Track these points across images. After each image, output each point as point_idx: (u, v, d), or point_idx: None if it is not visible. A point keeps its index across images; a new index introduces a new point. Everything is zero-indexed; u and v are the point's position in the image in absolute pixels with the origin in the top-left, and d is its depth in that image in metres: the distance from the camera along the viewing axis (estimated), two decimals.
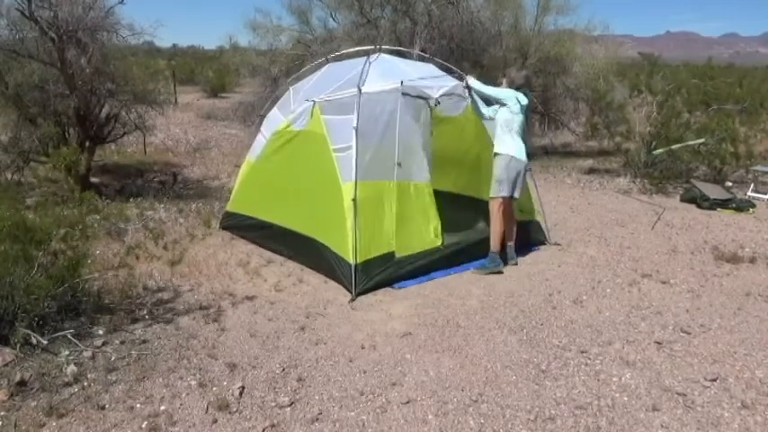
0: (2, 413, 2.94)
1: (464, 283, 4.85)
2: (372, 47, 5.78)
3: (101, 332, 3.79)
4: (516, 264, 5.23)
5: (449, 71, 5.68)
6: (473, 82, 5.29)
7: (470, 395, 3.22)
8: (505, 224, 5.14)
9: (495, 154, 5.13)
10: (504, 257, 5.16)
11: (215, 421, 2.96)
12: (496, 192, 5.07)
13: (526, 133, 5.27)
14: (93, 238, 4.31)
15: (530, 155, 5.32)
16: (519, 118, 5.07)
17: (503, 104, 5.12)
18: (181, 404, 3.09)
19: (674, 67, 16.11)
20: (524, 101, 5.11)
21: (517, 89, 5.14)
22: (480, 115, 5.38)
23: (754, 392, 3.29)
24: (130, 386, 3.22)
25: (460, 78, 5.43)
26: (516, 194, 5.14)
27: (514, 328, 4.04)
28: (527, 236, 5.69)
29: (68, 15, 6.53)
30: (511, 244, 5.27)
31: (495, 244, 5.08)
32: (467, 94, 5.35)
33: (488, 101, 5.35)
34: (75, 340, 3.57)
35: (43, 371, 3.30)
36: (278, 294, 4.57)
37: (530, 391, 3.27)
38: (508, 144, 5.07)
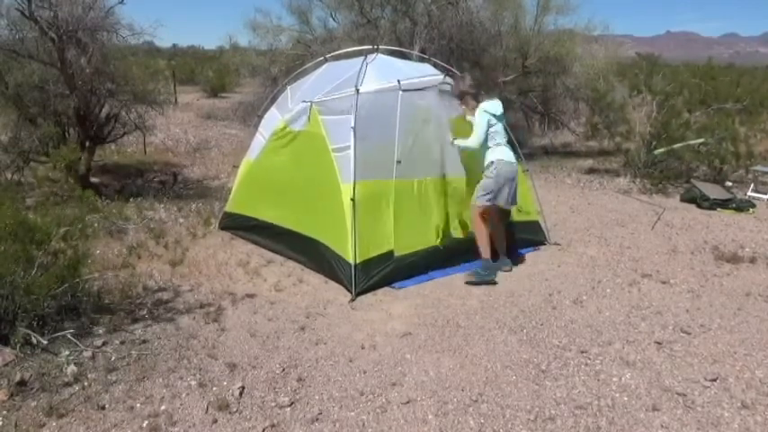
0: (2, 413, 2.94)
1: (464, 283, 4.84)
2: (371, 47, 5.77)
3: (101, 332, 3.79)
4: (510, 270, 5.09)
5: (447, 72, 5.65)
6: (459, 143, 5.03)
7: (470, 395, 3.22)
8: (489, 230, 4.97)
9: (488, 164, 4.94)
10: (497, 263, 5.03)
11: (215, 421, 2.96)
12: (475, 198, 4.93)
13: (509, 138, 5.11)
14: (93, 237, 4.31)
15: (522, 156, 5.17)
16: (498, 126, 4.94)
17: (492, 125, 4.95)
18: (181, 404, 3.09)
19: (674, 67, 16.10)
20: (496, 109, 4.92)
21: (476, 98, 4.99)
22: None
23: (754, 392, 3.29)
24: (130, 386, 3.23)
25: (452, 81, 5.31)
26: (501, 202, 4.94)
27: (514, 328, 4.04)
28: (527, 236, 5.69)
29: (68, 15, 6.53)
30: (503, 253, 5.13)
31: (483, 250, 4.94)
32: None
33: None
34: (75, 340, 3.57)
35: (43, 371, 3.30)
36: (278, 294, 4.57)
37: (530, 391, 3.27)
38: (495, 152, 4.92)
